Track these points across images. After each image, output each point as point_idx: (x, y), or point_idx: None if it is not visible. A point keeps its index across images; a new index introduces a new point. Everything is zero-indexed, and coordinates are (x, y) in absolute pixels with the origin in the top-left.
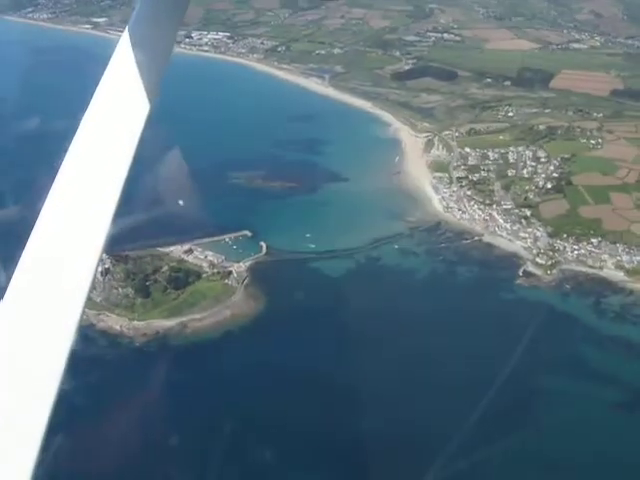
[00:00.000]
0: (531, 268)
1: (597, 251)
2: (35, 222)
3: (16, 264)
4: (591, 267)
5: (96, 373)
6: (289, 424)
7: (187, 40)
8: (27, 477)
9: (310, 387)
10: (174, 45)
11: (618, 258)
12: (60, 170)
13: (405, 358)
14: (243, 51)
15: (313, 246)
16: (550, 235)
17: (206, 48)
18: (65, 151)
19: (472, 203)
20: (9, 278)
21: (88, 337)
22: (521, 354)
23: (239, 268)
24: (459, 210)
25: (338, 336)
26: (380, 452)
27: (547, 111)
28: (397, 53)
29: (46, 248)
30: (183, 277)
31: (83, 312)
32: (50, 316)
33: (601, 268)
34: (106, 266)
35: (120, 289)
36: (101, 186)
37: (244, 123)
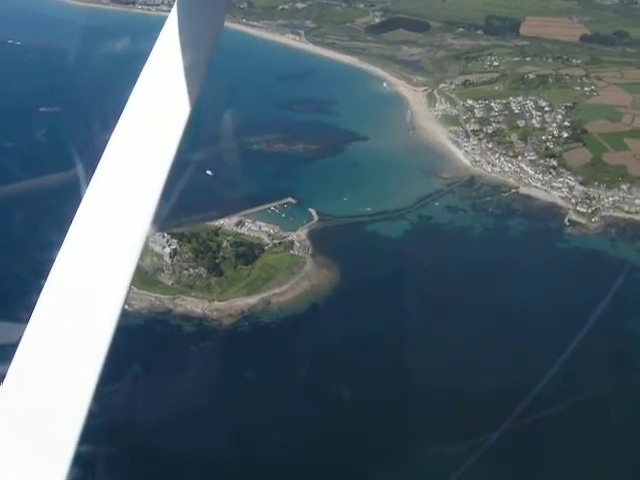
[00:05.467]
0: (575, 217)
1: (630, 197)
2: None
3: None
4: (628, 212)
5: (205, 364)
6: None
7: (141, 0)
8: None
9: (415, 345)
10: (224, 20)
11: None
12: (107, 149)
13: (494, 311)
14: None
15: (369, 209)
16: (582, 184)
17: (165, 8)
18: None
19: (497, 156)
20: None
21: (170, 324)
22: (601, 299)
23: (299, 237)
24: (488, 163)
25: (424, 296)
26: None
27: (528, 59)
28: (361, 5)
29: (92, 227)
30: (249, 251)
31: (129, 289)
32: (97, 290)
33: (637, 213)
34: (173, 247)
35: (191, 269)
36: (149, 166)
37: (237, 85)
